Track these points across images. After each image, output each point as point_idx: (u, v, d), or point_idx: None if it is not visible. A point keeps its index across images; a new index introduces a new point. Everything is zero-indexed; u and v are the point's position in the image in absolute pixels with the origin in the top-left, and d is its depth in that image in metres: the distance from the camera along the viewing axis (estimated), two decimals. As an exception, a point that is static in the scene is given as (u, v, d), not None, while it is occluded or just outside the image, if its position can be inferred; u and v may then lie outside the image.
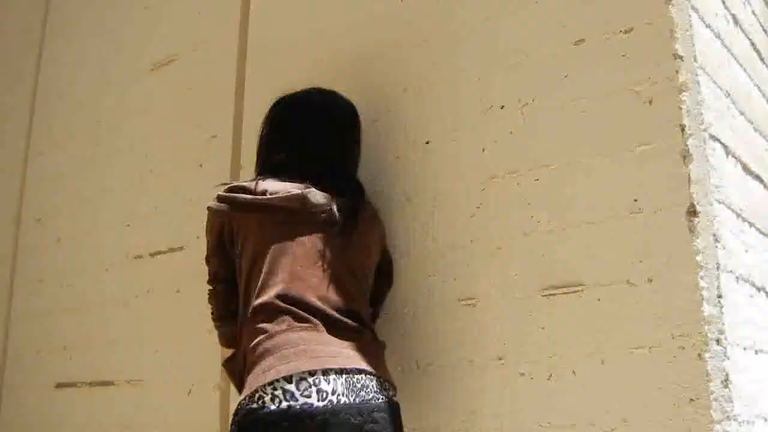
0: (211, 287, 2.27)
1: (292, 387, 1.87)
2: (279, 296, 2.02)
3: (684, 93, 1.88)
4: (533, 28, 2.20)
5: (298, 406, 1.85)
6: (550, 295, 2.03)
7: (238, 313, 2.13)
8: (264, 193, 2.11)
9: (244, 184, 2.17)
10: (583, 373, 1.94)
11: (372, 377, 1.99)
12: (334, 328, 2.02)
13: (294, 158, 2.25)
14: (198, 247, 2.91)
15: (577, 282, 1.99)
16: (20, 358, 3.92)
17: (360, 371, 1.97)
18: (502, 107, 2.21)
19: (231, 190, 2.17)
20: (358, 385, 1.95)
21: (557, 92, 2.11)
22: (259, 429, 1.86)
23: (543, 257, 2.06)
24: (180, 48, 3.41)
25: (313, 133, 2.31)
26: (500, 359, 2.08)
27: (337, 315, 2.05)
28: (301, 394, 1.86)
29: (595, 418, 1.90)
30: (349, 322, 2.06)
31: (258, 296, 2.03)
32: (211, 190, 2.89)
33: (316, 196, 2.12)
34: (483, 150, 2.23)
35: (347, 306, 2.08)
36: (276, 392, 1.86)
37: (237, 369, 2.07)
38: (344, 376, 1.93)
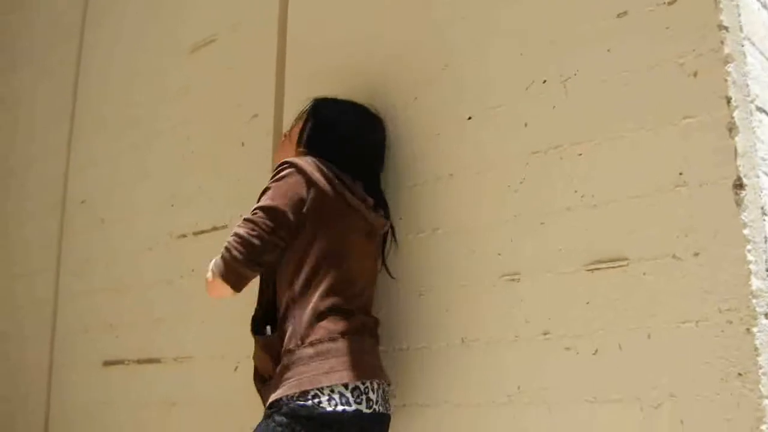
0: (267, 244, 2.11)
1: (348, 393, 2.03)
2: (346, 301, 2.17)
3: (729, 64, 1.86)
4: (575, 1, 2.18)
5: (351, 411, 2.02)
6: (595, 269, 2.02)
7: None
8: (364, 200, 2.27)
9: (344, 177, 2.24)
10: (629, 347, 1.93)
11: (388, 390, 2.21)
12: (372, 338, 2.24)
13: (359, 168, 2.35)
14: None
15: (622, 256, 1.98)
16: (68, 337, 3.99)
17: (387, 384, 2.20)
18: (544, 82, 2.20)
19: (335, 176, 2.21)
20: (386, 397, 2.18)
21: (600, 66, 2.09)
22: (313, 427, 1.99)
23: (587, 231, 2.05)
24: (219, 28, 3.42)
25: (379, 151, 2.47)
26: (545, 334, 2.08)
27: (374, 327, 2.27)
28: (354, 401, 2.03)
29: (642, 393, 1.90)
30: (376, 333, 2.29)
31: (328, 295, 2.13)
32: (253, 168, 2.93)
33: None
34: (525, 125, 2.22)
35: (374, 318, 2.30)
36: (333, 395, 2.01)
37: (274, 349, 2.12)
38: (381, 387, 2.15)
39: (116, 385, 3.58)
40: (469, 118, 2.36)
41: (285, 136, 2.47)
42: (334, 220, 2.19)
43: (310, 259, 2.15)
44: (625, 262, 1.97)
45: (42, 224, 4.37)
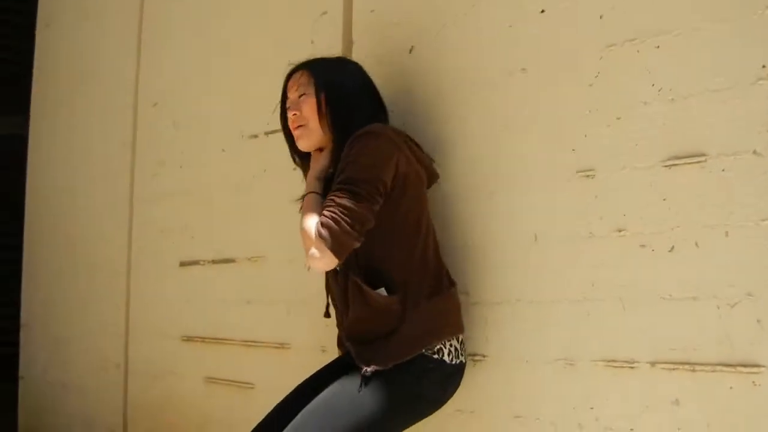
0: (371, 214, 2.12)
1: (458, 345, 2.24)
2: (440, 255, 2.32)
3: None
4: None
5: (464, 362, 2.27)
6: (672, 165, 1.97)
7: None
8: (432, 160, 2.38)
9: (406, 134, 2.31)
10: (706, 245, 1.90)
11: None
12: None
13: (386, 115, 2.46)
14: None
15: (700, 152, 1.93)
16: (145, 238, 4.08)
17: None
18: (620, -28, 2.12)
19: (407, 136, 2.29)
20: None
21: (679, -45, 2.00)
22: (438, 379, 2.19)
23: (664, 126, 2.00)
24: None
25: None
26: (620, 231, 2.05)
27: None
28: (461, 353, 2.25)
29: (718, 291, 1.87)
30: None
31: (432, 252, 2.27)
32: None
33: None
34: (600, 17, 2.15)
35: None
36: (451, 348, 2.20)
37: (391, 309, 2.18)
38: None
39: (192, 284, 3.67)
40: (542, 11, 2.29)
41: (294, 113, 2.35)
42: (419, 181, 2.28)
43: (410, 220, 2.24)
44: (703, 158, 1.92)
45: (115, 128, 4.43)
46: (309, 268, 2.16)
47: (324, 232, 2.05)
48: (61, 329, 4.88)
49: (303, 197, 2.32)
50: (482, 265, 2.38)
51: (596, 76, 2.14)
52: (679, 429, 1.92)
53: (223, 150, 3.49)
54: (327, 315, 2.45)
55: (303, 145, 2.36)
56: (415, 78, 2.62)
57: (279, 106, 2.45)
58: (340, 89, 2.32)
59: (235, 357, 3.36)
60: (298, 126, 2.33)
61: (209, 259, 3.55)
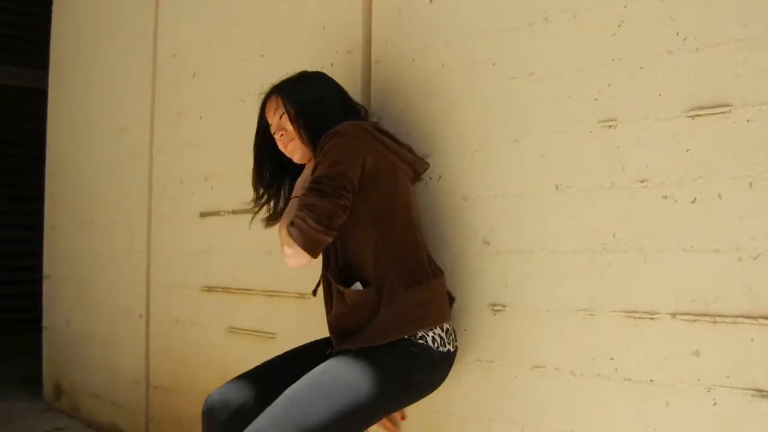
0: (337, 208, 2.18)
1: (443, 334, 2.27)
2: (423, 246, 2.37)
3: None
4: None
5: (452, 351, 2.31)
6: (696, 116, 1.95)
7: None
8: (410, 150, 2.43)
9: (385, 129, 2.43)
10: (729, 196, 1.89)
11: None
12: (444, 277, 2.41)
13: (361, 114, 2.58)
14: (333, 74, 2.91)
15: (725, 102, 1.90)
16: (165, 189, 4.09)
17: None
18: None
19: (378, 130, 2.35)
20: None
21: None
22: (423, 364, 2.22)
23: (688, 76, 1.97)
24: None
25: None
26: (642, 182, 2.04)
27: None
28: (447, 341, 2.28)
29: (741, 243, 1.86)
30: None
31: (413, 243, 2.33)
32: (342, 13, 2.89)
33: None
34: (625, -36, 2.12)
35: None
36: (435, 336, 2.25)
37: (369, 302, 2.24)
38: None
39: (213, 234, 3.69)
40: (566, -42, 2.26)
41: (281, 133, 2.46)
42: (393, 173, 2.33)
43: (383, 213, 2.29)
44: (727, 109, 1.90)
45: (134, 80, 4.43)
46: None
47: (293, 230, 2.17)
48: (84, 280, 4.93)
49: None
50: (504, 214, 2.37)
51: (620, 25, 2.11)
52: (698, 380, 1.92)
53: (243, 101, 3.47)
54: (314, 293, 2.56)
55: (297, 158, 2.47)
56: (436, 28, 2.60)
57: (255, 134, 2.59)
58: (307, 102, 2.42)
59: (256, 307, 3.39)
60: (289, 141, 2.44)
61: (229, 209, 3.56)
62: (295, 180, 2.51)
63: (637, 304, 2.05)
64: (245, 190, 3.42)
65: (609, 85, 2.12)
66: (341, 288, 2.29)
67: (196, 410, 3.65)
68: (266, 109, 2.51)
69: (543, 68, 2.29)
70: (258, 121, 2.57)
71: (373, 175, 2.26)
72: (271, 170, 2.59)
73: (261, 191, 2.60)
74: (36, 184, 5.81)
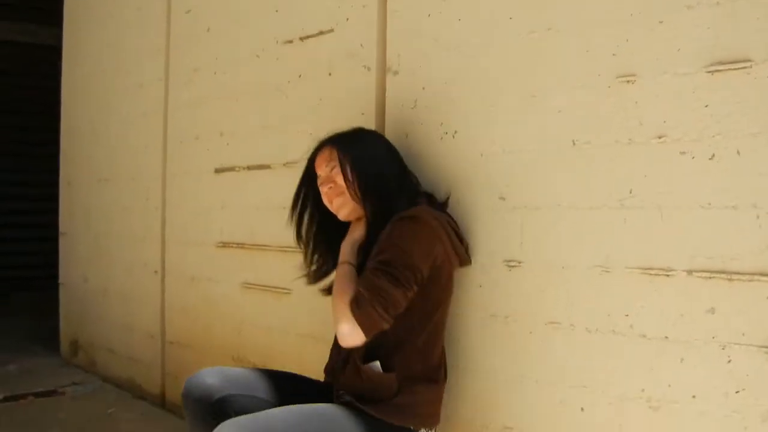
0: (404, 300, 2.17)
1: None
2: (442, 344, 2.39)
3: None
4: None
5: None
6: (716, 71, 1.92)
7: None
8: (467, 248, 2.42)
9: (453, 221, 2.40)
10: (747, 153, 1.86)
11: None
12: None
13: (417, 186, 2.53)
14: (348, 28, 2.90)
15: (745, 58, 1.87)
16: (180, 145, 4.09)
17: None
18: None
19: (448, 222, 2.34)
20: None
21: None
22: None
23: (708, 30, 1.94)
24: None
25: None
26: (660, 138, 2.02)
27: None
28: None
29: (759, 200, 1.85)
30: None
31: (437, 341, 2.34)
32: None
33: None
34: None
35: None
36: None
37: (380, 383, 2.24)
38: None
39: (228, 191, 3.69)
40: None
41: (330, 186, 2.39)
42: (449, 272, 2.34)
43: (431, 310, 2.29)
44: (748, 64, 1.87)
45: (149, 36, 4.41)
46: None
47: (358, 312, 2.11)
48: (100, 237, 4.96)
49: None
50: (520, 170, 2.36)
51: (639, -21, 2.08)
52: (713, 338, 1.92)
53: (258, 56, 3.46)
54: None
55: (344, 215, 2.41)
56: (453, -19, 2.57)
57: (299, 182, 2.54)
58: (363, 159, 2.36)
59: (271, 263, 3.40)
60: (336, 195, 2.38)
61: (244, 165, 3.56)
62: (334, 234, 2.49)
63: (653, 261, 2.04)
64: (260, 147, 3.43)
65: (627, 40, 2.09)
66: (364, 367, 2.25)
67: (211, 364, 3.67)
68: (317, 159, 2.45)
69: (561, 23, 2.26)
70: (304, 170, 2.51)
71: (436, 272, 2.26)
72: (308, 221, 2.55)
73: (306, 244, 2.56)
74: (51, 141, 5.82)
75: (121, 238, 4.69)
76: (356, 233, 2.39)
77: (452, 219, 2.39)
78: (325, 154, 2.41)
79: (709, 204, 1.93)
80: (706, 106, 1.93)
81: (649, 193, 2.04)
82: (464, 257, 2.38)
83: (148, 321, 4.37)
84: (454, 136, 2.55)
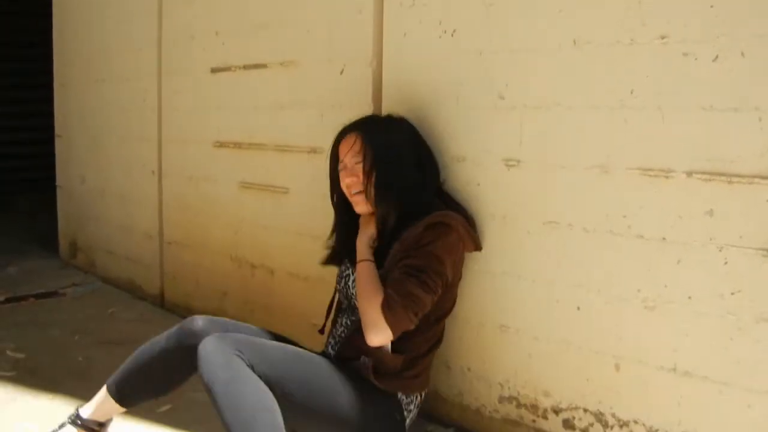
0: (431, 304, 2.24)
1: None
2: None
3: None
4: None
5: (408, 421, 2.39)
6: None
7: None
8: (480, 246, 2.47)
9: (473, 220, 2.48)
10: (752, 55, 1.84)
11: None
12: None
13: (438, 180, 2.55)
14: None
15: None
16: (175, 45, 4.04)
17: None
18: None
19: (469, 220, 2.43)
20: None
21: None
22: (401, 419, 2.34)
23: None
24: None
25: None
26: (663, 38, 1.98)
27: None
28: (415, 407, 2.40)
29: (761, 102, 1.83)
30: None
31: (441, 323, 2.43)
32: None
33: None
34: None
35: None
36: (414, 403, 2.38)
37: (386, 360, 2.28)
38: None
39: (225, 90, 3.65)
40: None
41: (352, 178, 2.38)
42: (462, 270, 2.46)
43: (447, 305, 2.41)
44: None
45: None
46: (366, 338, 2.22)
47: (390, 314, 2.15)
48: (96, 138, 4.93)
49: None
50: (520, 69, 2.34)
51: None
52: (711, 239, 1.93)
53: (253, -47, 3.39)
54: (321, 332, 2.59)
55: (361, 210, 2.41)
56: None
57: (329, 161, 2.51)
58: (391, 158, 2.37)
59: (268, 162, 3.40)
60: (357, 192, 2.38)
61: (240, 64, 3.52)
62: (351, 220, 2.49)
63: (653, 162, 2.03)
64: (257, 45, 3.38)
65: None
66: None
67: (210, 264, 3.72)
68: (341, 145, 2.43)
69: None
70: (331, 153, 2.49)
71: (457, 277, 2.39)
72: (336, 200, 2.55)
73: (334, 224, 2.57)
74: (44, 43, 5.72)
75: (117, 138, 4.66)
76: (370, 230, 2.40)
77: (466, 211, 2.46)
78: (349, 141, 2.40)
79: (711, 106, 1.91)
80: (711, 6, 1.90)
81: (651, 94, 2.02)
82: (478, 245, 2.45)
83: (146, 221, 4.38)
84: (453, 35, 2.51)
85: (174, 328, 2.33)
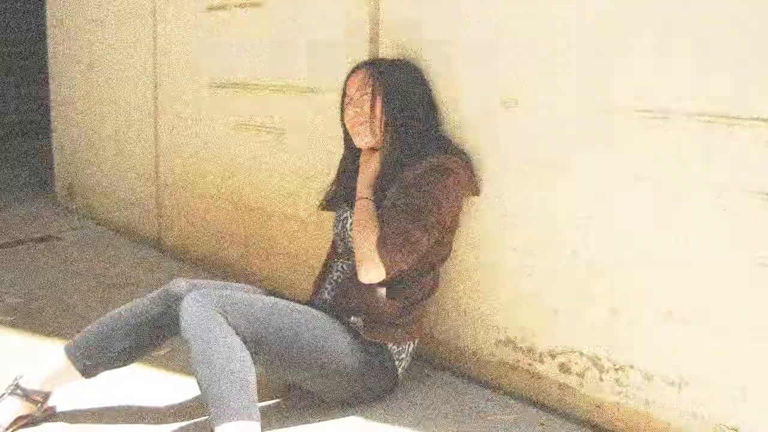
0: (428, 245, 2.25)
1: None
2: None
3: None
4: None
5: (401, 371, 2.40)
6: None
7: None
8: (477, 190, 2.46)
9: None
10: None
11: None
12: None
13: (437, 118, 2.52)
14: None
15: None
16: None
17: None
18: None
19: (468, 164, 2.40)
20: None
21: None
22: (386, 384, 2.37)
23: None
24: None
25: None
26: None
27: None
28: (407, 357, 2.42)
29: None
30: None
31: (436, 270, 2.44)
32: None
33: None
34: None
35: None
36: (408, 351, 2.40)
37: (382, 306, 2.30)
38: None
39: (220, 30, 3.59)
40: None
41: (356, 110, 2.38)
42: (461, 209, 2.43)
43: (440, 250, 2.38)
44: None
45: None
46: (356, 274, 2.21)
47: (384, 251, 2.15)
48: (91, 80, 4.87)
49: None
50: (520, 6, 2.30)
51: None
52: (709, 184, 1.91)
53: None
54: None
55: (360, 142, 2.39)
56: None
57: (340, 101, 2.47)
58: (398, 93, 2.36)
59: (263, 102, 3.35)
60: (360, 124, 2.36)
61: (237, 3, 3.45)
62: (351, 160, 2.50)
63: (653, 104, 2.00)
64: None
65: None
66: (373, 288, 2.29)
67: (206, 206, 3.69)
68: (349, 80, 2.42)
69: None
70: (343, 91, 2.46)
71: (455, 219, 2.39)
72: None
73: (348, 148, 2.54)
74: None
75: (111, 78, 4.60)
76: (371, 167, 2.38)
77: (466, 155, 2.43)
78: (359, 76, 2.40)
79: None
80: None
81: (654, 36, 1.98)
82: (477, 190, 2.43)
83: (142, 163, 4.34)
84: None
85: (156, 292, 2.28)
